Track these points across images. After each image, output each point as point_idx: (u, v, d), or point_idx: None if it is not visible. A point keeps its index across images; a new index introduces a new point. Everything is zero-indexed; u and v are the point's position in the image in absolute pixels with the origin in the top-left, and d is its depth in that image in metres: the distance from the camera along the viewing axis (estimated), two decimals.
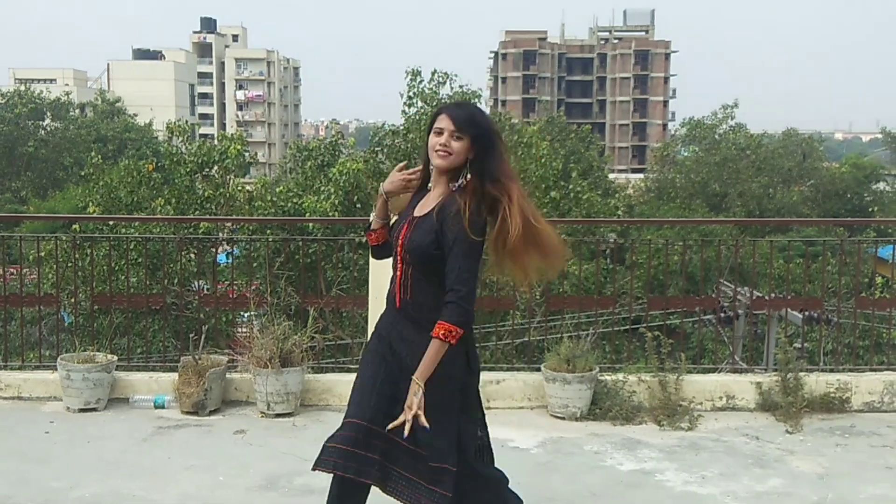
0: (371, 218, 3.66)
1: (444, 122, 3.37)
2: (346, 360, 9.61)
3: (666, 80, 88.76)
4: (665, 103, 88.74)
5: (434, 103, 17.72)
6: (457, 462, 3.35)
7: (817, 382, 6.12)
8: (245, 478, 4.81)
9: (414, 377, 3.24)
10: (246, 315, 7.66)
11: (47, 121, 49.25)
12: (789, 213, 37.60)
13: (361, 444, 3.29)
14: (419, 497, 3.31)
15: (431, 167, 3.42)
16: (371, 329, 3.81)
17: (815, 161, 44.30)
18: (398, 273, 3.42)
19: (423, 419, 3.19)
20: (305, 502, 4.52)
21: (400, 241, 3.39)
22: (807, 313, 9.41)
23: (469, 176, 3.35)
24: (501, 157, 3.39)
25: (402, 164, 3.58)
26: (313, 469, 3.38)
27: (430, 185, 3.45)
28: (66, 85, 68.61)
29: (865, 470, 5.07)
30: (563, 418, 5.88)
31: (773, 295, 7.51)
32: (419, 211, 3.42)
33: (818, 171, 43.66)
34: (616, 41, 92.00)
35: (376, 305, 6.04)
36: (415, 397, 3.20)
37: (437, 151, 3.36)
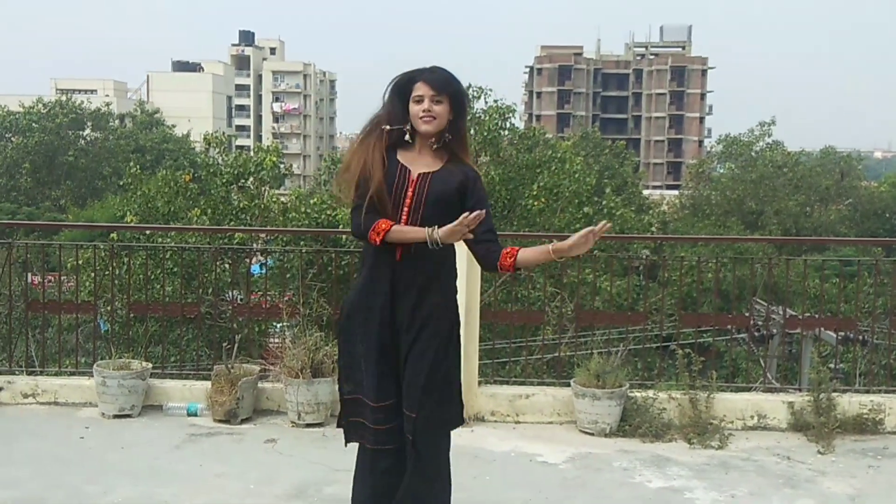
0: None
1: (422, 89, 3.53)
2: None
3: (702, 96, 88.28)
4: (701, 120, 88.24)
5: (468, 118, 17.78)
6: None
7: (850, 403, 6.06)
8: (275, 486, 4.85)
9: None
10: (278, 326, 7.72)
11: (87, 131, 50.08)
12: (826, 232, 37.19)
13: (370, 419, 3.60)
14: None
15: (406, 129, 3.56)
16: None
17: (853, 180, 43.86)
18: (402, 223, 3.51)
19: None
20: None
21: (410, 195, 3.52)
22: (842, 334, 9.31)
23: (450, 136, 3.58)
24: (465, 121, 3.69)
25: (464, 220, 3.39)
26: (347, 443, 3.78)
27: (408, 139, 3.58)
28: (107, 96, 69.72)
29: None
30: (593, 434, 5.87)
31: (805, 314, 7.44)
32: (424, 168, 3.57)
33: (856, 190, 43.20)
34: (652, 57, 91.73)
35: None
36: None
37: (422, 118, 3.53)
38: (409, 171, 3.55)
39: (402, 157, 3.59)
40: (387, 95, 3.62)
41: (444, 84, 3.54)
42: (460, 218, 3.34)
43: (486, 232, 3.52)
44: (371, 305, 3.60)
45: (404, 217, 3.52)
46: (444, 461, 3.69)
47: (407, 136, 3.58)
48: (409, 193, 3.52)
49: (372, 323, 3.59)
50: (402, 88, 3.56)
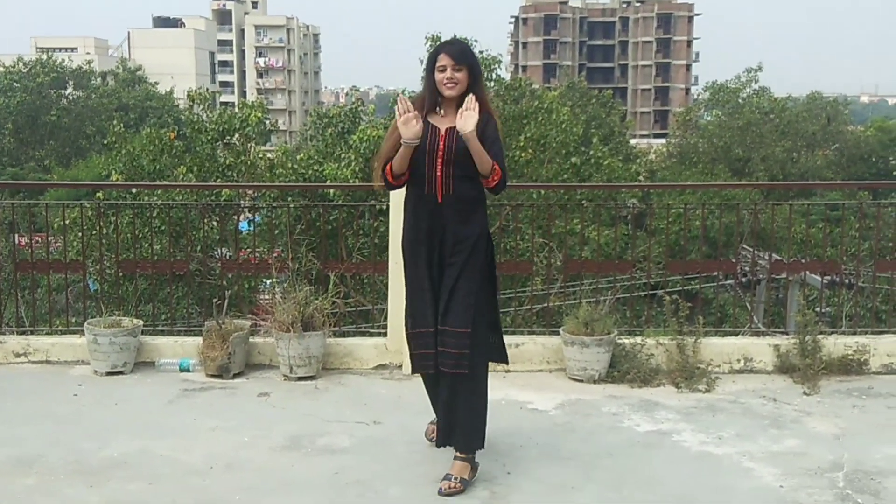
0: (396, 167, 4.24)
1: (444, 60, 4.20)
2: (368, 325, 9.71)
3: (689, 43, 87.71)
4: (688, 67, 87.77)
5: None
6: (474, 327, 4.22)
7: (836, 345, 6.14)
8: (268, 438, 4.91)
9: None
10: (268, 283, 7.75)
11: (69, 90, 49.52)
12: (813, 178, 37.26)
13: (432, 345, 4.22)
14: (449, 361, 4.17)
15: (439, 98, 4.25)
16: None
17: (839, 124, 43.83)
18: (438, 174, 4.20)
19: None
20: (326, 462, 4.62)
21: (441, 148, 4.19)
22: (827, 277, 9.39)
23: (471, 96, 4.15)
24: (484, 83, 4.39)
25: (410, 115, 4.14)
26: (413, 372, 4.45)
27: (438, 109, 4.27)
28: (88, 53, 68.71)
29: (882, 430, 5.10)
30: (582, 381, 5.94)
31: (791, 259, 7.51)
32: (450, 123, 4.20)
33: (843, 135, 43.22)
34: (638, 4, 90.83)
35: (396, 271, 6.10)
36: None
37: (445, 85, 4.20)
38: (438, 128, 4.23)
39: (433, 119, 4.27)
40: (425, 76, 4.33)
41: (463, 55, 4.22)
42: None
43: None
44: (421, 240, 4.27)
45: (439, 166, 4.19)
46: (484, 380, 4.40)
47: (438, 109, 4.27)
48: (441, 147, 4.19)
49: (422, 256, 4.27)
50: (430, 62, 4.25)
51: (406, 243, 4.39)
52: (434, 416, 4.55)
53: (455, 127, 4.17)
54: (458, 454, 4.30)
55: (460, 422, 4.28)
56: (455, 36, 19.39)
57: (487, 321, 4.42)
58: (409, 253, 4.35)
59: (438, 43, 4.28)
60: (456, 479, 4.23)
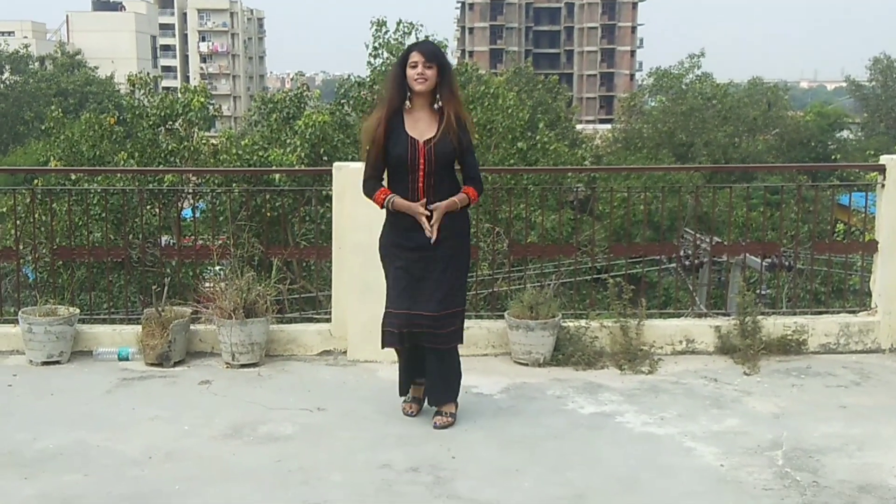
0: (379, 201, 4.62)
1: (416, 56, 4.51)
2: (313, 311, 9.62)
3: (633, 29, 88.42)
4: (632, 53, 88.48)
5: (399, 54, 17.61)
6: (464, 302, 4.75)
7: (775, 325, 6.23)
8: (209, 427, 4.83)
9: (435, 205, 4.50)
10: (216, 269, 7.63)
11: (6, 74, 48.42)
12: (754, 162, 37.85)
13: (406, 325, 4.58)
14: (438, 340, 4.62)
15: (409, 93, 4.55)
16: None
17: (780, 110, 44.60)
18: (419, 184, 4.53)
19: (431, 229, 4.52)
20: (269, 450, 4.56)
21: (422, 163, 4.50)
22: (767, 260, 9.54)
23: (440, 97, 4.55)
24: (455, 82, 4.68)
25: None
26: (383, 347, 4.74)
27: (406, 105, 4.55)
28: (25, 38, 67.10)
29: (820, 409, 5.19)
30: (527, 364, 5.95)
31: (732, 241, 7.58)
32: (426, 133, 4.53)
33: (783, 120, 43.97)
34: None
35: (340, 256, 6.05)
36: (438, 212, 4.51)
37: (416, 80, 4.50)
38: (417, 141, 4.52)
39: (408, 124, 4.55)
40: (392, 71, 4.67)
41: (433, 54, 4.52)
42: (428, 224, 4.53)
43: (467, 179, 4.68)
44: (404, 244, 4.58)
45: (420, 178, 4.51)
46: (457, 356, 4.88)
47: (407, 103, 4.55)
48: (422, 163, 4.49)
49: (407, 254, 4.59)
50: (402, 60, 4.56)
51: (387, 246, 4.69)
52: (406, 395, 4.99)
53: (433, 142, 4.51)
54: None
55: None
56: (400, 20, 19.44)
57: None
58: (391, 255, 4.66)
59: (410, 44, 4.76)
60: (446, 413, 4.77)
